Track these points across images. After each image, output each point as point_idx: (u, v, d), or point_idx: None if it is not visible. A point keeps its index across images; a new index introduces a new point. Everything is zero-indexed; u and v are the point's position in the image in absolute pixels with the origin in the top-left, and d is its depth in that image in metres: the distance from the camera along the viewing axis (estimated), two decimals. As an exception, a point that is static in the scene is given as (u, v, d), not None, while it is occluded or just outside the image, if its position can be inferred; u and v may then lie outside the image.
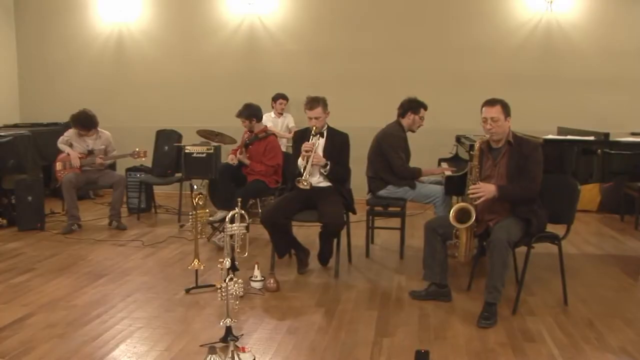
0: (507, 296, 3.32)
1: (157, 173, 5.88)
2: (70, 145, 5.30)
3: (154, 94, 7.11)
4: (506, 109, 3.22)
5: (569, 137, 3.96)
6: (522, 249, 3.30)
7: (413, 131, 4.45)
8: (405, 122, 4.37)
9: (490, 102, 3.23)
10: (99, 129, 5.36)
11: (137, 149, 5.30)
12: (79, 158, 5.20)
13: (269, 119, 6.39)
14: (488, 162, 3.32)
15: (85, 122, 5.19)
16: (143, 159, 5.38)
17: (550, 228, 3.37)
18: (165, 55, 7.07)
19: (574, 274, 3.97)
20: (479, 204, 3.18)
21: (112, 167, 5.77)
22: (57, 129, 6.12)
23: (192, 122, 6.62)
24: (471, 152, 3.27)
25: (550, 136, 3.96)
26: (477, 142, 3.28)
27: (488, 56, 6.38)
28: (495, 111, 3.19)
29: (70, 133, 5.33)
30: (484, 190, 3.15)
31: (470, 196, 3.18)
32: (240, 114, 4.89)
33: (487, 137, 3.25)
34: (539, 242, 3.32)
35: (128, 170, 6.08)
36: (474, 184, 3.20)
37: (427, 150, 5.97)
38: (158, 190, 6.35)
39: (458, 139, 5.17)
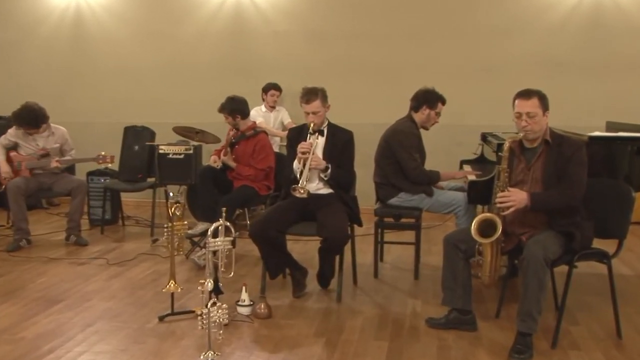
0: (544, 326, 3.32)
1: (125, 177, 5.89)
2: (16, 147, 5.28)
3: (121, 83, 7.14)
4: (544, 102, 3.23)
5: (620, 134, 3.95)
6: (563, 269, 3.31)
7: (426, 128, 4.48)
8: (419, 117, 4.39)
9: (526, 94, 3.24)
10: (52, 124, 5.36)
11: (102, 153, 5.29)
12: (27, 160, 5.19)
13: (259, 114, 6.42)
14: (520, 165, 3.33)
15: (29, 119, 5.12)
16: (110, 165, 5.39)
17: (597, 243, 3.38)
18: (134, 36, 7.11)
19: (628, 299, 3.95)
20: (507, 214, 3.19)
21: (70, 170, 5.77)
22: (1, 124, 6.13)
23: (167, 117, 6.64)
24: (499, 153, 3.28)
25: (597, 133, 3.96)
26: (506, 141, 3.29)
27: (520, 38, 6.40)
28: (532, 105, 3.20)
29: (14, 132, 5.31)
30: (514, 198, 3.16)
31: (498, 205, 3.19)
32: (222, 109, 4.92)
33: (519, 135, 3.26)
34: (584, 260, 3.32)
35: (90, 174, 6.10)
36: (502, 190, 3.21)
37: (446, 150, 6.00)
38: (126, 198, 6.36)
39: (484, 137, 5.18)
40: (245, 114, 4.92)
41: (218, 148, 5.06)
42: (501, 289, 3.68)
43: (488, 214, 3.21)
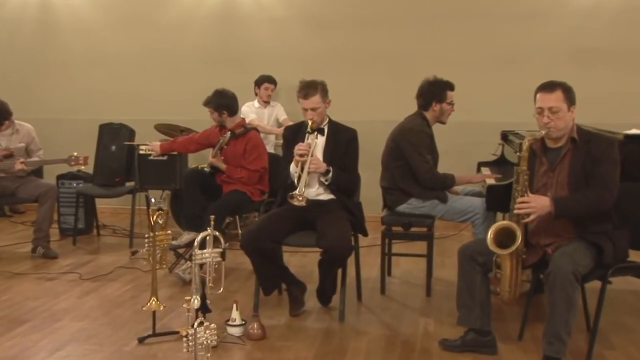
0: (574, 349, 3.32)
1: (100, 181, 5.89)
2: None
3: (96, 75, 7.15)
4: (569, 96, 3.24)
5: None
6: (595, 285, 3.31)
7: (443, 122, 4.49)
8: (431, 114, 4.40)
9: (548, 87, 3.25)
10: (16, 120, 5.37)
11: (74, 154, 5.28)
12: None
13: (251, 110, 6.44)
14: (542, 167, 3.34)
15: None
16: (83, 167, 5.39)
17: (635, 256, 3.38)
18: (110, 22, 7.13)
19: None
20: (528, 222, 3.20)
21: (38, 173, 5.78)
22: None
23: (148, 113, 6.66)
24: (519, 154, 3.29)
25: (634, 131, 3.95)
26: (526, 140, 3.29)
27: (545, 23, 6.41)
28: (555, 99, 3.21)
29: None
30: (535, 204, 3.16)
31: (516, 212, 3.19)
32: (207, 102, 4.92)
33: (541, 133, 3.26)
34: (619, 275, 3.32)
35: (60, 177, 6.09)
36: (522, 195, 3.21)
37: (462, 150, 6.00)
38: (102, 204, 6.36)
39: (504, 136, 5.20)
40: (233, 110, 4.93)
41: (213, 153, 5.02)
42: (524, 307, 3.67)
43: (506, 222, 3.21)
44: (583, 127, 3.38)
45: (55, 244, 5.59)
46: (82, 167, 5.42)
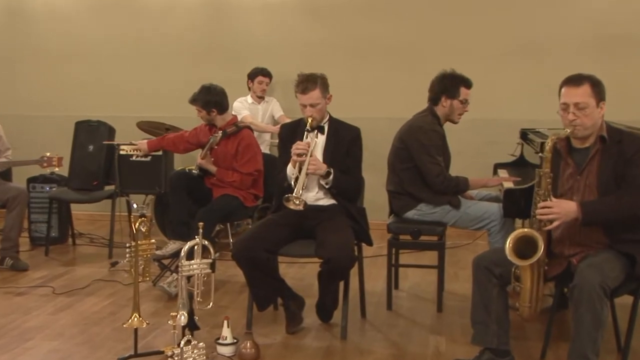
0: (602, 370, 3.32)
1: (76, 185, 5.89)
2: None
3: (71, 68, 7.16)
4: (598, 90, 3.23)
5: None
6: (626, 300, 3.31)
7: (454, 122, 4.49)
8: (440, 111, 4.40)
9: (574, 81, 3.24)
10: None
11: (47, 154, 5.29)
12: None
13: (244, 106, 6.45)
14: (568, 169, 3.34)
15: None
16: (57, 169, 5.38)
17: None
18: (88, 9, 7.14)
19: None
20: (552, 229, 3.19)
21: (6, 175, 5.78)
22: None
23: (129, 109, 6.67)
24: (541, 154, 3.29)
25: None
26: (549, 140, 3.28)
27: (571, 9, 6.40)
28: (582, 93, 3.20)
29: None
30: (559, 209, 3.15)
31: (539, 218, 3.19)
32: (194, 100, 4.93)
33: (566, 131, 3.26)
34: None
35: (31, 180, 6.09)
36: (544, 200, 3.21)
37: (477, 151, 6.01)
38: (78, 210, 6.36)
39: (524, 135, 5.20)
40: (223, 108, 4.93)
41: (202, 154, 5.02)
42: (547, 324, 3.66)
43: (526, 230, 3.21)
44: (613, 124, 3.38)
45: (26, 254, 5.58)
46: (56, 169, 5.42)
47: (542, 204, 3.19)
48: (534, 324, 3.96)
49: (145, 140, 5.30)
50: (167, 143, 5.21)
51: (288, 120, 4.91)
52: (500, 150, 5.41)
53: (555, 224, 3.16)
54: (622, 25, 6.29)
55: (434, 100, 4.40)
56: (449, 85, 4.35)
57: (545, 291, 3.34)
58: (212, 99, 4.88)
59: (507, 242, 3.15)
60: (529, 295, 3.21)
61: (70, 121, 6.18)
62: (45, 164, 5.29)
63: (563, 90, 3.27)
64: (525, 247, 3.13)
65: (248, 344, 3.58)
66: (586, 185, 3.28)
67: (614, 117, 3.39)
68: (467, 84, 4.39)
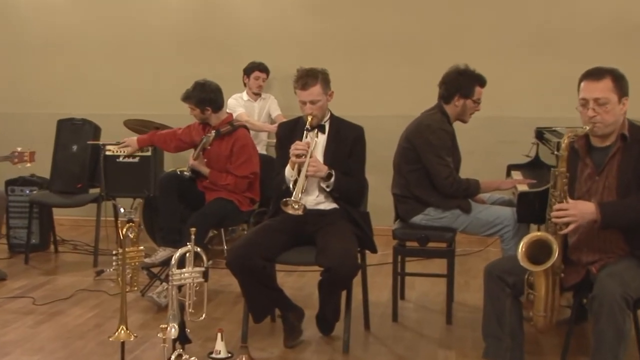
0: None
1: (58, 188, 5.88)
2: None
3: (54, 62, 7.17)
4: (620, 85, 3.22)
5: None
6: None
7: (464, 121, 4.49)
8: (451, 109, 4.40)
9: (594, 75, 3.24)
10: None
11: (18, 149, 5.19)
12: None
13: (239, 103, 6.46)
14: (586, 169, 3.33)
15: None
16: (29, 164, 5.28)
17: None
18: (71, 1, 7.13)
19: None
20: (567, 233, 3.19)
21: (-18, 178, 5.79)
22: None
23: (115, 107, 6.67)
24: (557, 153, 3.29)
25: None
26: (565, 136, 3.27)
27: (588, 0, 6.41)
28: (602, 88, 3.20)
29: None
30: (575, 211, 3.14)
31: (554, 221, 3.18)
32: (187, 98, 4.93)
33: (584, 129, 3.26)
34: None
35: (10, 183, 6.09)
36: (560, 202, 3.21)
37: (489, 151, 6.01)
38: (61, 215, 6.36)
39: (539, 134, 5.20)
40: (218, 105, 4.93)
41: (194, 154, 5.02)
42: (565, 337, 3.65)
43: (541, 233, 3.20)
44: (636, 122, 3.38)
45: (4, 262, 5.58)
46: (28, 165, 5.20)
47: (557, 205, 3.18)
48: (550, 337, 3.96)
49: (135, 138, 5.31)
50: (158, 139, 5.22)
51: (286, 119, 4.91)
52: (514, 151, 5.42)
53: (571, 227, 3.14)
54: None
55: (445, 98, 4.39)
56: (463, 83, 4.34)
57: (563, 302, 3.34)
58: (206, 97, 4.88)
59: (520, 247, 3.15)
60: (544, 303, 3.20)
61: (52, 119, 6.15)
62: (16, 160, 5.15)
63: (582, 84, 3.26)
64: (539, 252, 3.13)
65: (243, 358, 3.58)
66: (605, 186, 3.27)
67: (637, 114, 3.37)
68: (482, 82, 4.39)
